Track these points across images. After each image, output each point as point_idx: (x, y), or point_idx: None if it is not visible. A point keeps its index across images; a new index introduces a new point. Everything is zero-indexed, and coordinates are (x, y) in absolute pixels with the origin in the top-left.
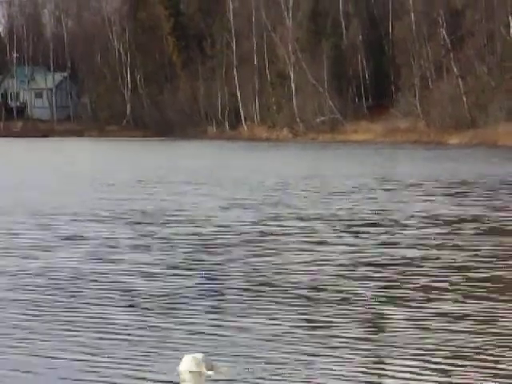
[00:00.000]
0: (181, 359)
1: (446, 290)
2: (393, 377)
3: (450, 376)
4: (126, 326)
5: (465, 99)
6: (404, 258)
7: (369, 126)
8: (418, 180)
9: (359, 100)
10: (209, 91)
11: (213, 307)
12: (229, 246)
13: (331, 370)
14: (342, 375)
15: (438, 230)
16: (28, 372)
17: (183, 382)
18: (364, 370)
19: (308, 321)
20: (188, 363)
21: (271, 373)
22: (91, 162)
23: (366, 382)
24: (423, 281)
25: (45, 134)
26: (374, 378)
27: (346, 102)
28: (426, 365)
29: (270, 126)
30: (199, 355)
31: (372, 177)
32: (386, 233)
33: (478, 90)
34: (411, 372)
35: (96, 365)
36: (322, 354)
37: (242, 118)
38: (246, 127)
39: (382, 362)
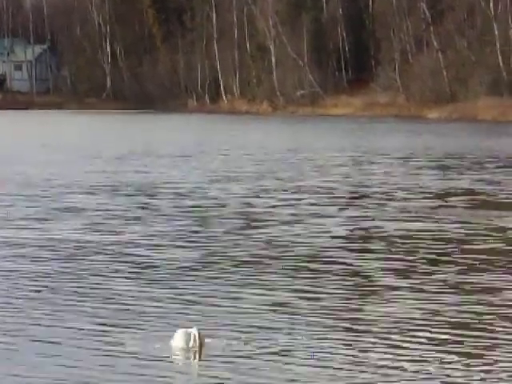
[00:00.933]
0: (175, 332)
1: (444, 261)
2: (394, 346)
3: (449, 345)
4: (128, 295)
5: (445, 73)
6: (398, 230)
7: (349, 99)
8: (403, 154)
9: (339, 74)
10: (189, 64)
11: (211, 278)
12: (223, 218)
13: (331, 339)
14: (342, 345)
15: (430, 203)
16: (32, 340)
17: (175, 355)
18: (364, 339)
19: (306, 291)
20: (178, 339)
21: (268, 343)
22: (74, 135)
23: (364, 351)
24: (421, 252)
25: (24, 107)
26: (373, 348)
27: (325, 76)
28: (427, 334)
29: (250, 100)
30: (189, 330)
31: (357, 150)
32: (378, 205)
33: (458, 64)
34: (410, 342)
35: (98, 333)
36: (321, 324)
37: (222, 91)
38: (226, 100)
39: (382, 333)
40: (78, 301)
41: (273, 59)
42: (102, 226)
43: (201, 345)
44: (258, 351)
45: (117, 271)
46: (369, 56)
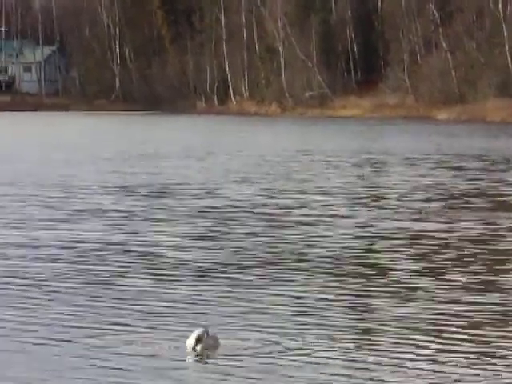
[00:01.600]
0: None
1: (467, 262)
2: (416, 346)
3: (471, 345)
4: (149, 295)
5: (454, 74)
6: (419, 230)
7: (357, 101)
8: (415, 155)
9: (348, 75)
10: (198, 66)
11: (231, 278)
12: (244, 218)
13: (351, 339)
14: (362, 345)
15: (449, 204)
16: (52, 341)
17: (188, 355)
18: (384, 340)
19: (328, 292)
20: (190, 339)
21: (288, 344)
22: (85, 136)
23: (389, 351)
24: (443, 253)
25: (33, 108)
26: (398, 349)
27: (334, 77)
28: (450, 335)
29: (259, 101)
30: (197, 332)
31: (368, 151)
32: (396, 206)
33: (466, 65)
34: (436, 342)
35: (115, 332)
36: (342, 324)
37: (231, 92)
38: (234, 102)
39: (403, 333)
40: (99, 300)
41: (282, 61)
42: (123, 227)
43: (213, 345)
44: (276, 352)
45: (139, 271)
46: (378, 57)
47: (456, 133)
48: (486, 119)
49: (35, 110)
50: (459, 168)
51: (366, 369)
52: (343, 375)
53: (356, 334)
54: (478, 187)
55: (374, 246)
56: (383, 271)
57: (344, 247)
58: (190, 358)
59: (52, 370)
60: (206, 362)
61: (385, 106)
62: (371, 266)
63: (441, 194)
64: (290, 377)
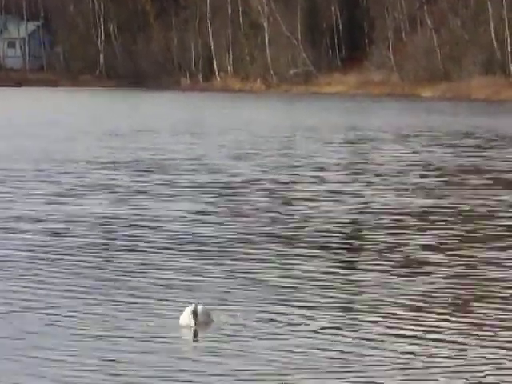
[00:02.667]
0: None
1: (473, 237)
2: (427, 319)
3: (485, 319)
4: (154, 268)
5: (438, 52)
6: (422, 206)
7: (342, 78)
8: (407, 131)
9: (333, 52)
10: (182, 42)
11: (241, 253)
12: (245, 194)
13: (362, 314)
14: (374, 319)
15: (446, 180)
16: (57, 309)
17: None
18: (396, 314)
19: (339, 267)
20: (183, 316)
21: (298, 320)
22: (74, 112)
23: (398, 328)
24: (449, 228)
25: (18, 84)
26: (406, 324)
27: (319, 54)
28: (464, 308)
29: (244, 78)
30: (191, 308)
31: (359, 128)
32: (395, 182)
33: (451, 43)
34: (442, 319)
35: (126, 305)
36: (353, 300)
37: (216, 69)
38: (219, 78)
39: (414, 308)
40: (106, 272)
41: (266, 37)
42: (128, 202)
43: (205, 321)
44: (274, 327)
45: (142, 244)
46: (362, 34)
47: (443, 110)
48: (470, 97)
49: (20, 86)
50: (452, 145)
51: (375, 342)
52: (348, 352)
53: (363, 308)
54: (474, 164)
55: (378, 222)
56: (390, 246)
57: (348, 222)
58: (184, 334)
59: (53, 337)
60: (197, 339)
61: (369, 83)
62: (378, 241)
63: (437, 170)
64: (291, 352)
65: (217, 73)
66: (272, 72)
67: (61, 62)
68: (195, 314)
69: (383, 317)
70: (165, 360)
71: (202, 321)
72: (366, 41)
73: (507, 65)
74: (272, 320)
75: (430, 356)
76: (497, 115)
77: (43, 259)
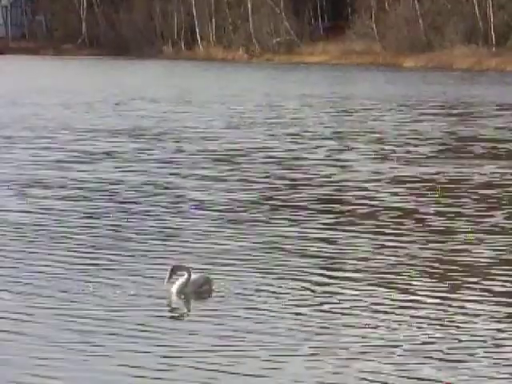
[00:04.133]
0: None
1: (490, 206)
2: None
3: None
4: (168, 233)
5: (421, 22)
6: (429, 174)
7: (324, 47)
8: (396, 102)
9: (315, 21)
10: (165, 10)
11: (251, 219)
12: (255, 161)
13: (380, 279)
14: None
15: (450, 149)
16: (74, 269)
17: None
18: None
19: (332, 229)
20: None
21: (306, 291)
22: (64, 80)
23: (417, 289)
24: (461, 196)
25: (0, 52)
26: (425, 286)
27: (302, 24)
28: (485, 275)
29: (226, 47)
30: (182, 279)
31: (350, 97)
32: (402, 151)
33: (434, 12)
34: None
35: (115, 263)
36: (371, 268)
37: (198, 38)
38: (201, 47)
39: (432, 271)
40: (118, 238)
41: (249, 6)
42: (137, 169)
43: (203, 289)
44: (289, 296)
45: (158, 209)
46: (345, 4)
47: (429, 80)
48: (452, 67)
49: (1, 54)
50: (449, 115)
51: (389, 308)
52: (347, 315)
53: (383, 275)
54: (474, 134)
55: (398, 190)
56: (407, 214)
57: (361, 190)
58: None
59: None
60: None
61: (352, 52)
62: (393, 208)
63: (437, 139)
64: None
65: (199, 42)
66: (255, 41)
67: (43, 31)
68: (172, 271)
69: (393, 284)
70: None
71: (198, 289)
72: (349, 10)
73: (489, 34)
74: (269, 290)
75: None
76: (482, 84)
77: (52, 222)
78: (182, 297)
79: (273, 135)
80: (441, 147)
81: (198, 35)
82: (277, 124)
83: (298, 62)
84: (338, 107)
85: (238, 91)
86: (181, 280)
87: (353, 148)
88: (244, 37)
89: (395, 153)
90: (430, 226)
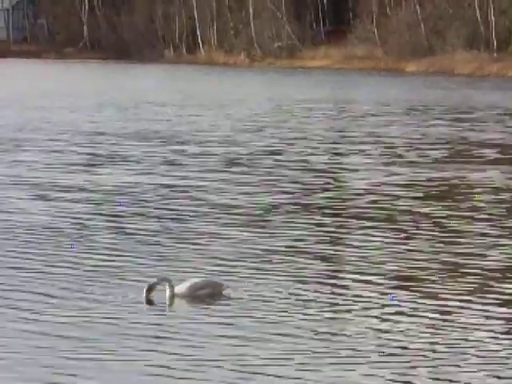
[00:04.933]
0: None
1: (504, 208)
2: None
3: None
4: (192, 231)
5: (423, 26)
6: (440, 178)
7: (326, 52)
8: (400, 106)
9: (317, 26)
10: (166, 14)
11: (277, 221)
12: (269, 165)
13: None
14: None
15: (459, 153)
16: (95, 270)
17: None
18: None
19: (348, 232)
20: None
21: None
22: (68, 83)
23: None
24: (476, 199)
25: (1, 55)
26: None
27: (303, 28)
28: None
29: (228, 51)
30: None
31: (357, 102)
32: (414, 155)
33: (435, 17)
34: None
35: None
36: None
37: (200, 42)
38: (203, 51)
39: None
40: (141, 241)
41: (250, 10)
42: (156, 172)
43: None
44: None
45: (181, 212)
46: (347, 8)
47: (432, 85)
48: (454, 72)
49: (4, 57)
50: (458, 119)
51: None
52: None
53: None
54: (485, 138)
55: (411, 193)
56: (420, 216)
57: (375, 193)
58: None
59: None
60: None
61: (353, 57)
62: (409, 212)
63: (447, 143)
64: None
65: (201, 46)
66: (256, 45)
67: (44, 34)
68: (149, 289)
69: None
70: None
71: (195, 293)
72: (351, 15)
73: (491, 39)
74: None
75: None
76: (486, 90)
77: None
78: (180, 300)
79: (281, 138)
80: (450, 151)
81: (199, 39)
82: (284, 128)
83: (300, 66)
84: (343, 111)
85: (242, 95)
86: (167, 292)
87: (361, 152)
88: (245, 41)
89: (402, 157)
90: (445, 228)
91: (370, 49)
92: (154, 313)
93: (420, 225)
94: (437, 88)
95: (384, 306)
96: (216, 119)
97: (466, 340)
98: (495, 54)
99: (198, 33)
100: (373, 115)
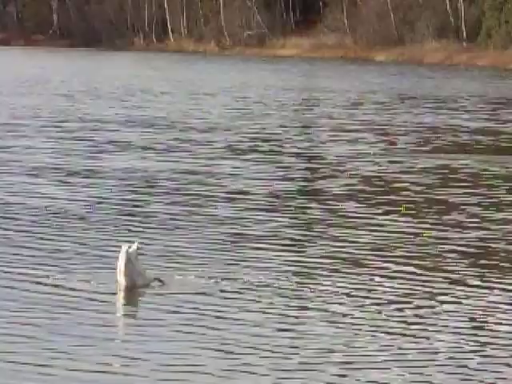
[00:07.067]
0: None
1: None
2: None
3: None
4: (206, 215)
5: (392, 16)
6: (447, 166)
7: (296, 41)
8: (373, 94)
9: (287, 15)
10: (136, 2)
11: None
12: (271, 151)
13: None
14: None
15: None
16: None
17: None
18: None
19: (368, 217)
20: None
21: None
22: (48, 71)
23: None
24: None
25: None
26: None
27: (273, 17)
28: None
29: (197, 39)
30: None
31: (339, 92)
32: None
33: (405, 6)
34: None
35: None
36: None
37: (169, 30)
38: (172, 39)
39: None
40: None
41: None
42: (168, 159)
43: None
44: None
45: (200, 197)
46: None
47: (403, 74)
48: (423, 61)
49: None
50: (443, 108)
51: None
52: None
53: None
54: (454, 123)
55: (420, 180)
56: (438, 203)
57: (387, 181)
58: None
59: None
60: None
61: (323, 46)
62: (426, 199)
63: (427, 131)
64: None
65: (170, 34)
66: (226, 34)
67: (14, 21)
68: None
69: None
70: None
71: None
72: (320, 4)
73: (460, 29)
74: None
75: None
76: (460, 78)
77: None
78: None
79: (278, 125)
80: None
81: (169, 27)
82: (283, 116)
83: (269, 55)
84: (328, 100)
85: (226, 83)
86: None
87: (360, 140)
88: (215, 29)
89: (402, 145)
90: (467, 213)
91: (339, 38)
92: None
93: (439, 211)
94: (411, 77)
95: (420, 292)
96: (210, 106)
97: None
98: (465, 44)
99: (168, 21)
100: (354, 103)
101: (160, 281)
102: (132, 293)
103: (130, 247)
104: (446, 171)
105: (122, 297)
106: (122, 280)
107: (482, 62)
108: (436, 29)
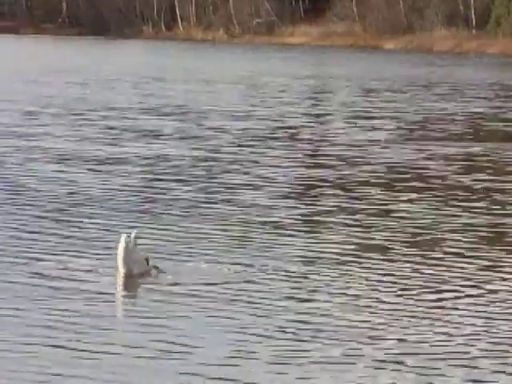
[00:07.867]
0: None
1: None
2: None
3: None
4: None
5: (401, 3)
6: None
7: (305, 29)
8: (386, 83)
9: (296, 3)
10: None
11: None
12: (300, 140)
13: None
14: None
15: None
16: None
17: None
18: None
19: (392, 203)
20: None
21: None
22: (65, 59)
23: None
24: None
25: None
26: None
27: (282, 5)
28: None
29: (206, 27)
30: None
31: (352, 79)
32: (419, 129)
33: None
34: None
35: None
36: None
37: (178, 18)
38: (181, 28)
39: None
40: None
41: None
42: (184, 145)
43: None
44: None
45: (211, 183)
46: None
47: (415, 62)
48: (432, 49)
49: None
50: (457, 94)
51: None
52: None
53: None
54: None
55: (440, 168)
56: (460, 189)
57: (407, 167)
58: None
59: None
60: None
61: (332, 34)
62: (446, 186)
63: (445, 119)
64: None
65: (179, 22)
66: (235, 22)
67: (23, 10)
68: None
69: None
70: None
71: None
72: None
73: (470, 17)
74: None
75: None
76: (471, 66)
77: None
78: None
79: (305, 114)
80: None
81: (178, 15)
82: (301, 103)
83: (279, 43)
84: (349, 88)
85: (243, 71)
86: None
87: (382, 127)
88: (224, 17)
89: (423, 132)
90: (493, 200)
91: (349, 26)
92: None
93: (459, 196)
94: (422, 64)
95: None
96: (222, 95)
97: None
98: (474, 32)
99: (177, 9)
100: (369, 90)
101: (156, 268)
102: (133, 280)
103: (128, 236)
104: (468, 157)
105: (121, 284)
106: (120, 268)
107: (491, 49)
108: (445, 16)
